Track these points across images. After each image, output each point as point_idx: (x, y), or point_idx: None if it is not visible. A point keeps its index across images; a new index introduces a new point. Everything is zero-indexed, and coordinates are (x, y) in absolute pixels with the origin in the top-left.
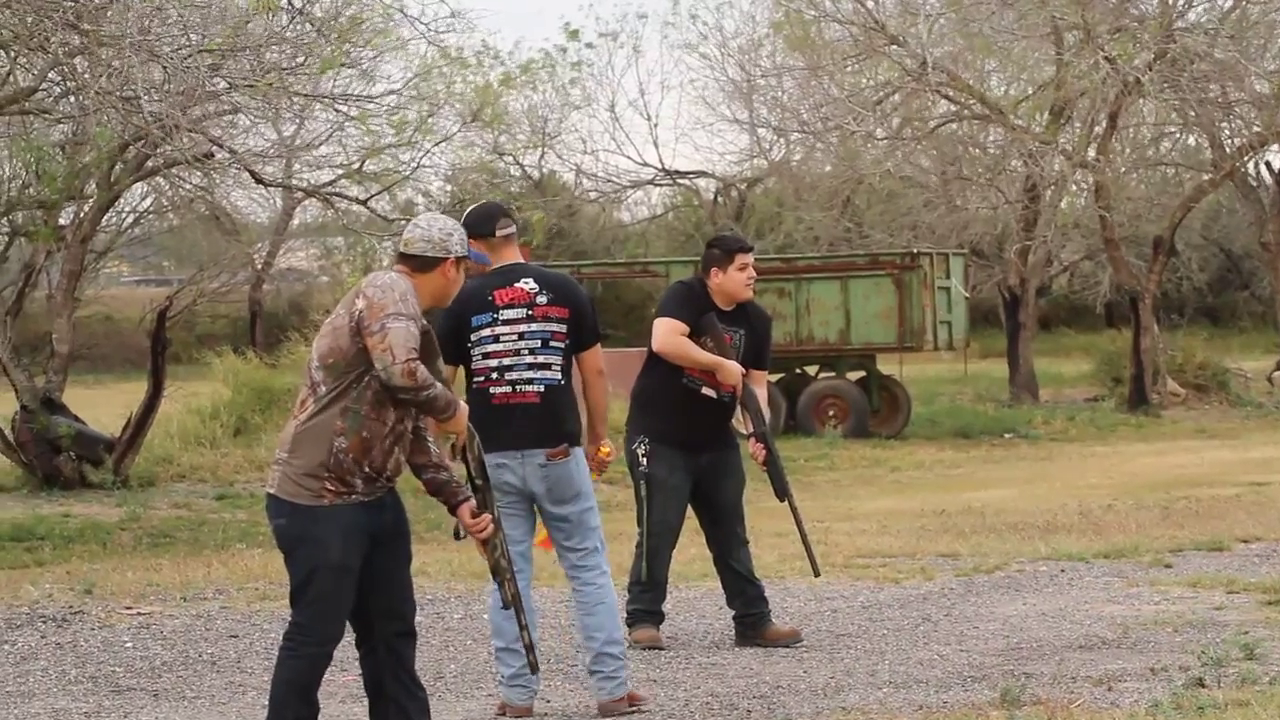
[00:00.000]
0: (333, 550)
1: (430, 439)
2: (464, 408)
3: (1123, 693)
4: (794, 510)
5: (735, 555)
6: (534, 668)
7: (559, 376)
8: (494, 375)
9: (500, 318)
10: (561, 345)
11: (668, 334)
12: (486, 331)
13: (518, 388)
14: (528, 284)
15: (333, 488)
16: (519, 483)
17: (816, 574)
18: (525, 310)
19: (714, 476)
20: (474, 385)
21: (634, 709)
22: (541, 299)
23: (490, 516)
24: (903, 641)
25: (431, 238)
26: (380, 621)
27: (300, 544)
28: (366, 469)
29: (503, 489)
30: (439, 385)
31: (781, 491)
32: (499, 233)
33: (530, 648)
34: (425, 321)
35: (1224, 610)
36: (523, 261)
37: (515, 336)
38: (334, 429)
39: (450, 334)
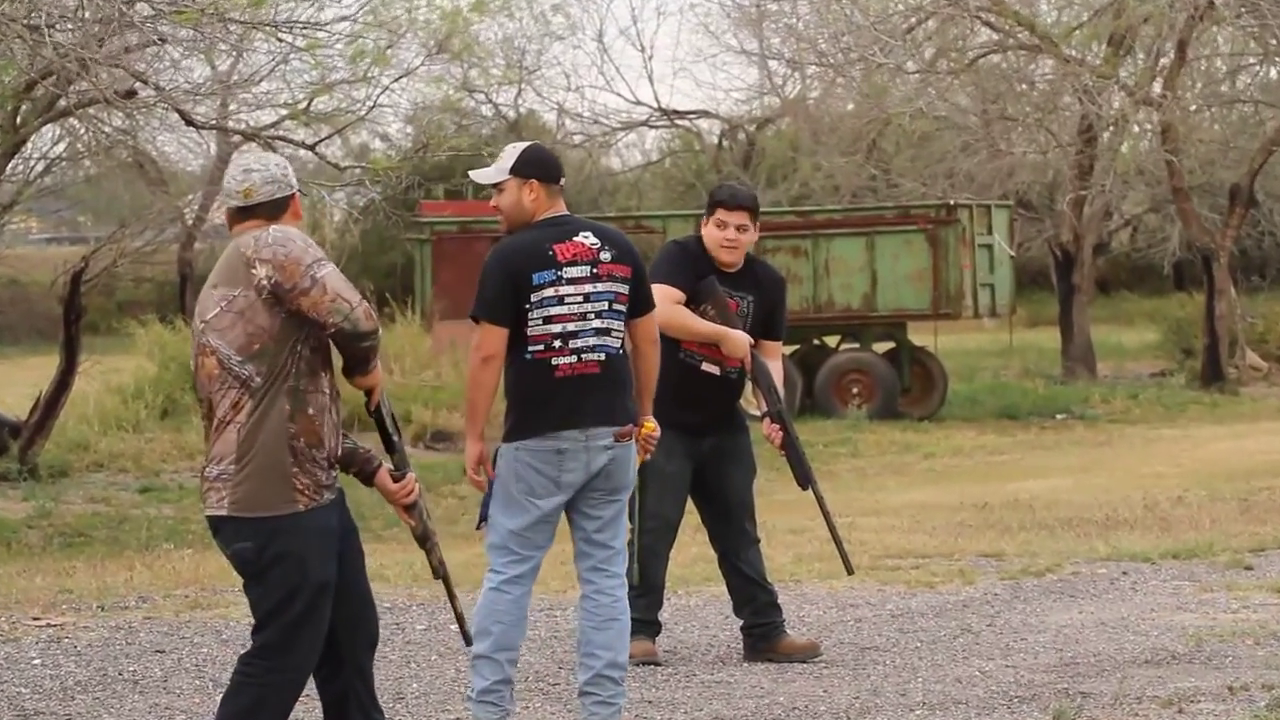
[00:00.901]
0: (313, 566)
1: None
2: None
3: (1195, 715)
4: (819, 499)
5: (744, 555)
6: (467, 639)
7: (619, 344)
8: (556, 344)
9: (564, 276)
10: (624, 308)
11: (660, 303)
12: (550, 291)
13: (583, 356)
14: (588, 239)
15: (304, 489)
16: (582, 470)
17: (849, 571)
18: (589, 268)
19: (719, 464)
20: (529, 355)
21: None
22: (605, 255)
23: (413, 475)
24: (938, 656)
25: (274, 176)
26: (346, 633)
27: (274, 566)
28: (325, 457)
29: (560, 482)
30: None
31: (803, 478)
32: (562, 180)
33: (460, 618)
34: None
35: None
36: (570, 213)
37: (581, 298)
38: (284, 415)
39: (507, 292)
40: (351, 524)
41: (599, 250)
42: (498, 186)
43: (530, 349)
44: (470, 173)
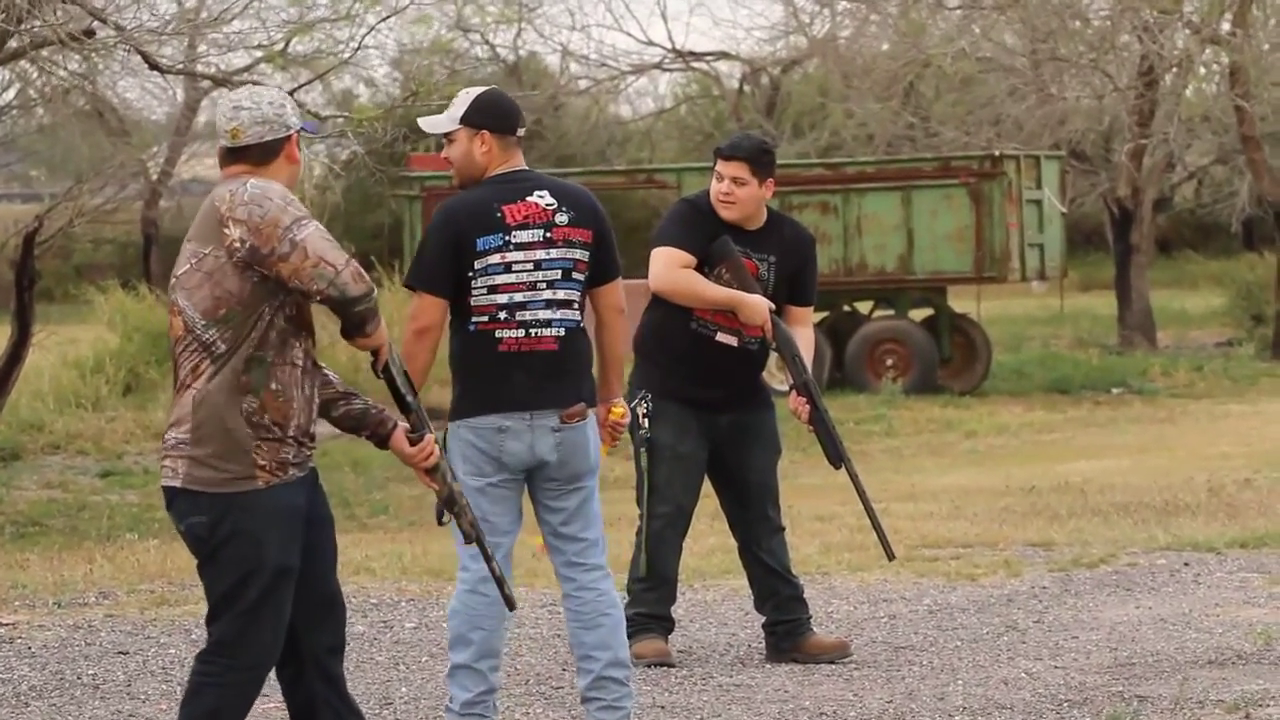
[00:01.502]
0: (270, 548)
1: (325, 366)
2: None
3: None
4: (854, 478)
5: (766, 545)
6: (510, 603)
7: (578, 316)
8: (502, 315)
9: (513, 241)
10: (583, 277)
11: (667, 267)
12: (495, 259)
13: (532, 331)
14: (543, 199)
15: (265, 464)
16: (525, 452)
17: (890, 557)
18: (542, 232)
19: (739, 444)
20: (472, 327)
21: None
22: (561, 218)
23: (432, 436)
24: (980, 656)
25: (266, 116)
26: (307, 633)
27: (227, 544)
28: (293, 434)
29: (502, 462)
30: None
31: (835, 456)
32: (520, 131)
33: (501, 580)
34: None
35: None
36: (528, 168)
37: (531, 266)
38: (244, 386)
39: (447, 258)
40: (325, 514)
41: (554, 212)
42: (448, 137)
43: (474, 320)
44: (420, 120)
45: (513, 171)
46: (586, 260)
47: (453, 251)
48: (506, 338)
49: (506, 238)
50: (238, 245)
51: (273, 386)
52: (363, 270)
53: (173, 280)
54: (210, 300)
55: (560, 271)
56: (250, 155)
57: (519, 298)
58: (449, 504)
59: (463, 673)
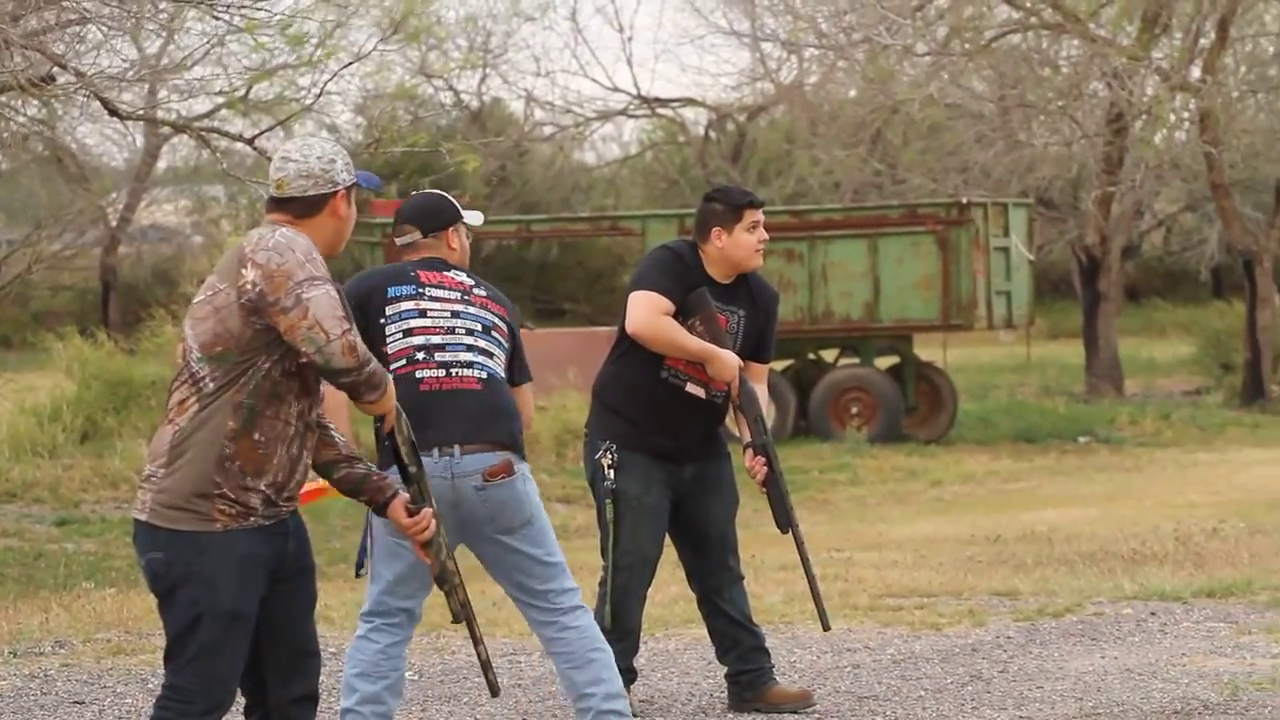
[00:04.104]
0: (224, 591)
1: (333, 427)
2: (390, 379)
3: None
4: (799, 544)
5: (727, 595)
6: (494, 689)
7: (502, 370)
8: (420, 356)
9: (427, 292)
10: (504, 341)
11: (649, 313)
12: (409, 305)
13: (453, 371)
14: (460, 275)
15: (226, 508)
16: (448, 510)
17: (826, 628)
18: (460, 294)
19: (699, 494)
20: (391, 371)
21: None
22: (480, 291)
23: (431, 510)
24: (945, 706)
25: (311, 170)
26: (277, 684)
27: (182, 584)
28: (264, 487)
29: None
30: (372, 356)
31: (784, 521)
32: (444, 231)
33: (486, 665)
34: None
35: None
36: (448, 261)
37: (448, 314)
38: (225, 431)
39: (354, 308)
40: (305, 563)
41: (472, 286)
42: (468, 230)
43: (392, 365)
44: (469, 215)
45: (434, 258)
46: (506, 329)
47: (358, 308)
48: (427, 377)
49: (420, 289)
50: (249, 287)
51: (256, 437)
52: (357, 345)
53: (189, 309)
54: (211, 335)
55: (480, 325)
56: (293, 207)
57: (436, 339)
58: (440, 581)
59: (347, 716)
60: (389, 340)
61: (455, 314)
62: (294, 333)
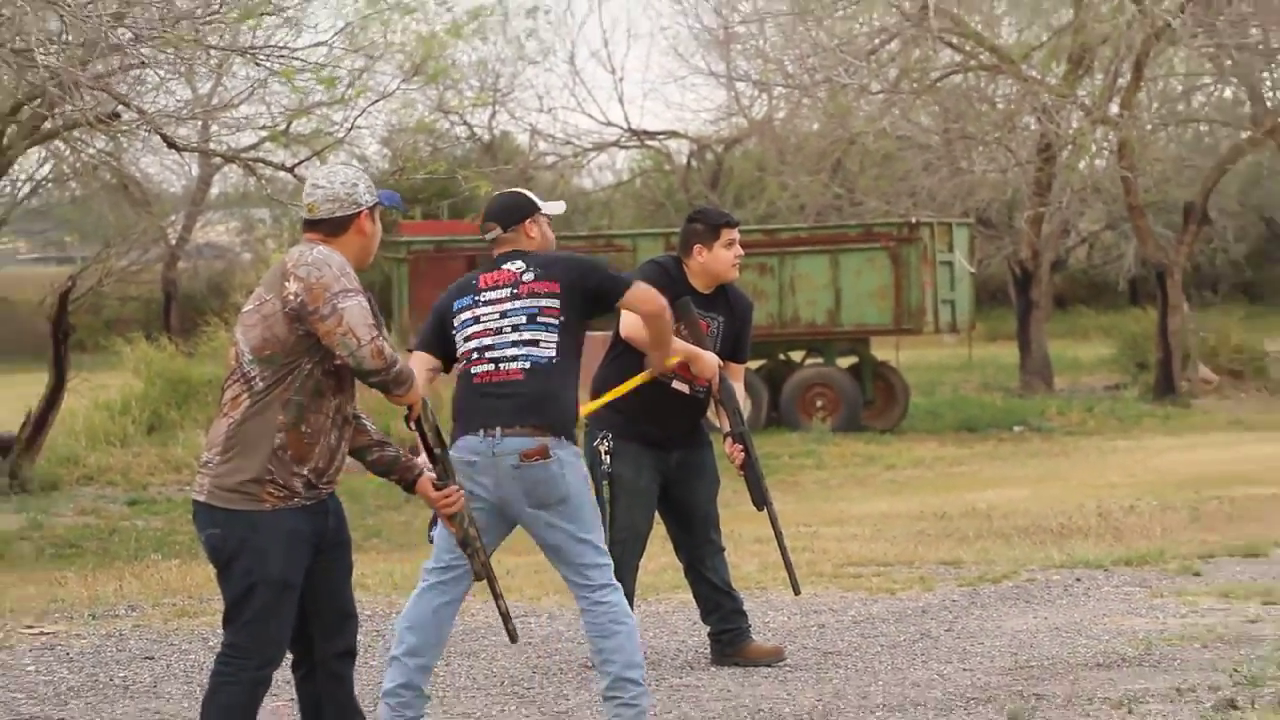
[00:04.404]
0: (273, 562)
1: (363, 415)
2: (415, 376)
3: (1145, 716)
4: (773, 521)
5: (710, 564)
6: (513, 637)
7: (550, 353)
8: (474, 356)
9: (481, 298)
10: (553, 320)
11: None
12: (468, 314)
13: (500, 365)
14: (514, 265)
15: (274, 491)
16: (492, 485)
17: (796, 592)
18: (510, 289)
19: (685, 477)
20: (459, 371)
21: None
22: (529, 275)
23: (456, 486)
24: (898, 660)
25: (336, 194)
26: (321, 641)
27: (237, 556)
28: (307, 473)
29: (471, 493)
30: (399, 356)
31: (760, 500)
32: (520, 224)
33: (506, 616)
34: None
35: (1260, 623)
36: (525, 250)
37: (497, 315)
38: (275, 424)
39: (434, 325)
40: (343, 537)
41: (522, 273)
42: (547, 218)
43: (459, 365)
44: (548, 205)
45: (505, 253)
46: (556, 307)
47: (439, 318)
48: (479, 372)
49: (476, 298)
50: (292, 298)
51: (303, 429)
52: (385, 349)
53: (239, 316)
54: (260, 340)
55: (525, 316)
56: (323, 227)
57: (487, 340)
58: (463, 545)
59: (393, 663)
60: (458, 346)
61: (503, 314)
62: (330, 337)
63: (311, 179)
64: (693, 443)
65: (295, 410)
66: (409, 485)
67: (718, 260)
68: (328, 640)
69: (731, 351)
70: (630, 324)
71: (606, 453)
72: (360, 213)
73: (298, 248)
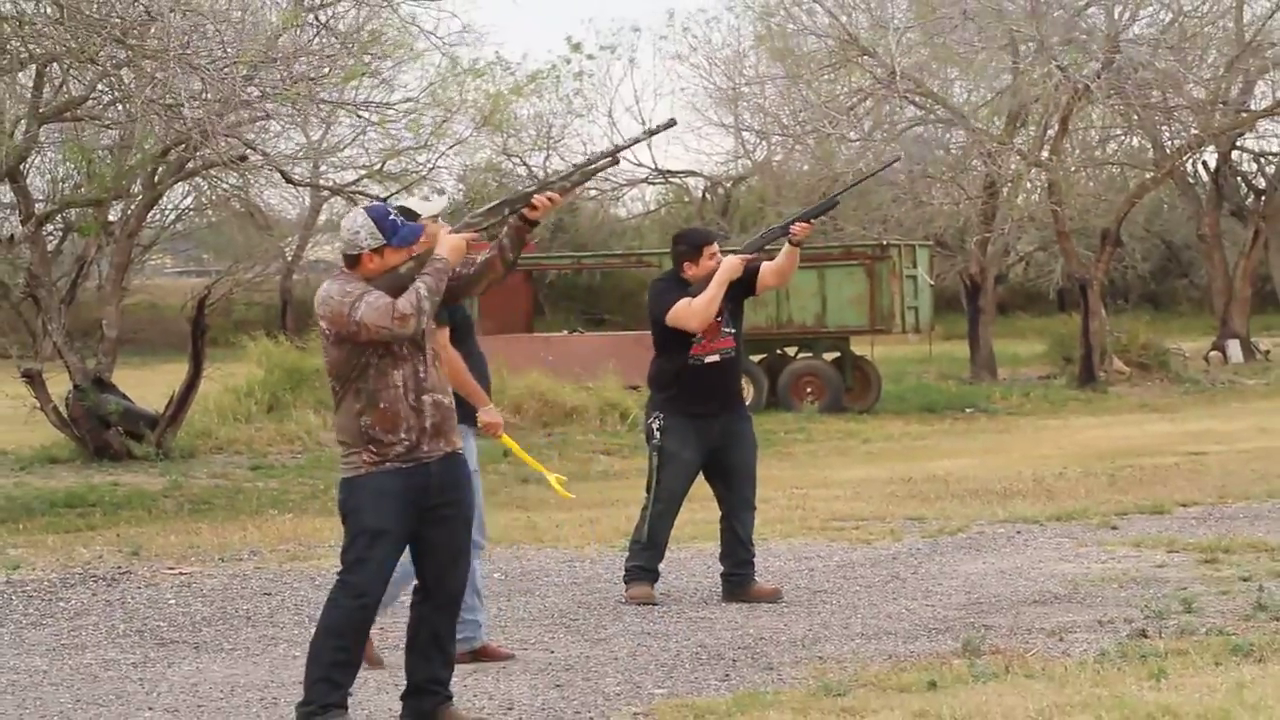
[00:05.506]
0: (366, 515)
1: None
2: (445, 250)
3: (1073, 643)
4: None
5: (740, 518)
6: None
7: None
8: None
9: None
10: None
11: (685, 308)
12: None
13: None
14: None
15: (368, 459)
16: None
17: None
18: None
19: (729, 444)
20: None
21: None
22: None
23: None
24: (874, 597)
25: (346, 240)
26: (434, 582)
27: (347, 513)
28: (402, 435)
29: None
30: (419, 280)
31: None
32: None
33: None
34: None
35: (1165, 568)
36: None
37: None
38: (355, 411)
39: None
40: (452, 496)
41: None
42: None
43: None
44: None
45: None
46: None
47: None
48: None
49: None
50: (327, 331)
51: (381, 406)
52: (401, 310)
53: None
54: (328, 363)
55: None
56: (345, 261)
57: None
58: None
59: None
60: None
61: None
62: (374, 340)
63: (342, 223)
64: (735, 414)
65: (367, 396)
66: (523, 219)
67: (704, 269)
68: (438, 580)
69: (747, 285)
70: (687, 317)
71: (659, 429)
72: (362, 254)
73: (323, 287)
